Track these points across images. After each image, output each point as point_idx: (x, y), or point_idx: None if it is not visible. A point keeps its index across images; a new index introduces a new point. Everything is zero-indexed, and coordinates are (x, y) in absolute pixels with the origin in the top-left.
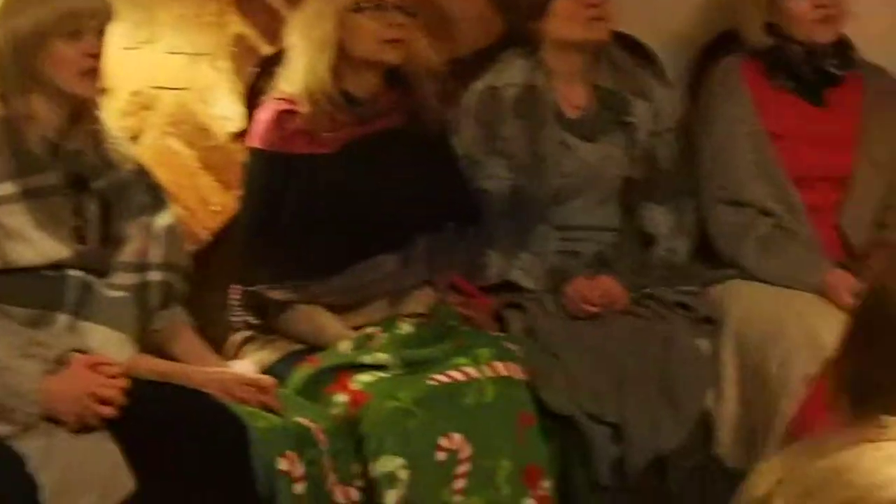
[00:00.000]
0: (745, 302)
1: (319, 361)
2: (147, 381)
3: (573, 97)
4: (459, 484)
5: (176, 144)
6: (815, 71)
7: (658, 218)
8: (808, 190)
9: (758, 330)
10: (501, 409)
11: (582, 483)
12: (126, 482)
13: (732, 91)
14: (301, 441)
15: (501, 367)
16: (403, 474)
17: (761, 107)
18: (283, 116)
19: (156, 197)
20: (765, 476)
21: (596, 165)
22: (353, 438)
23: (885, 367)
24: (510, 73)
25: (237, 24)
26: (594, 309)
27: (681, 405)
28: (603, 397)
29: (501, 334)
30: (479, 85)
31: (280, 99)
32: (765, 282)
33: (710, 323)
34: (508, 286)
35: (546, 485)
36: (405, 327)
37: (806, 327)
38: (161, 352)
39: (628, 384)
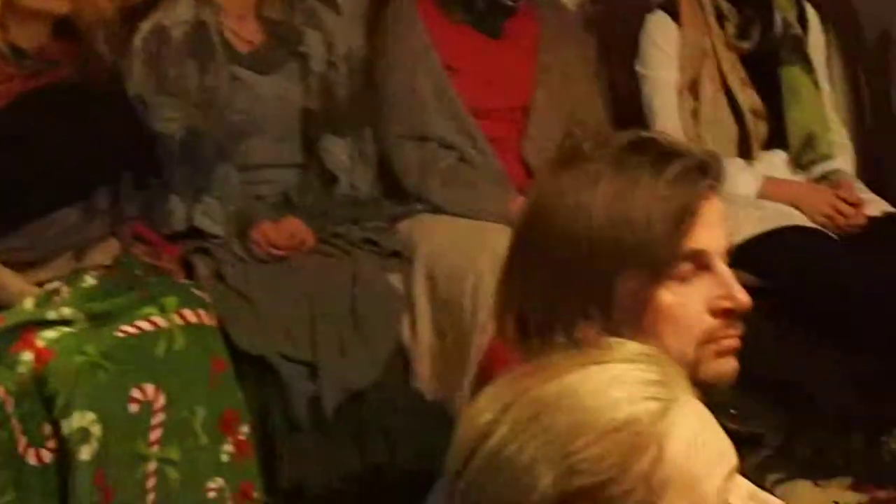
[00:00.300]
0: (433, 235)
1: (2, 320)
2: None
3: (244, 32)
4: (155, 435)
5: None
6: (489, 2)
7: (338, 152)
8: (490, 122)
9: (447, 262)
10: (193, 357)
11: (280, 424)
12: None
13: (410, 26)
14: None
15: (190, 314)
16: (96, 429)
17: (439, 41)
18: None
19: None
20: (491, 401)
21: (272, 100)
22: (42, 398)
23: (545, 286)
24: (178, 11)
25: None
26: (281, 252)
27: (373, 341)
28: (295, 337)
29: (188, 281)
30: (146, 25)
31: None
32: (452, 214)
33: (400, 258)
34: (195, 232)
35: (244, 429)
36: (89, 280)
37: (495, 258)
38: None
39: (320, 322)
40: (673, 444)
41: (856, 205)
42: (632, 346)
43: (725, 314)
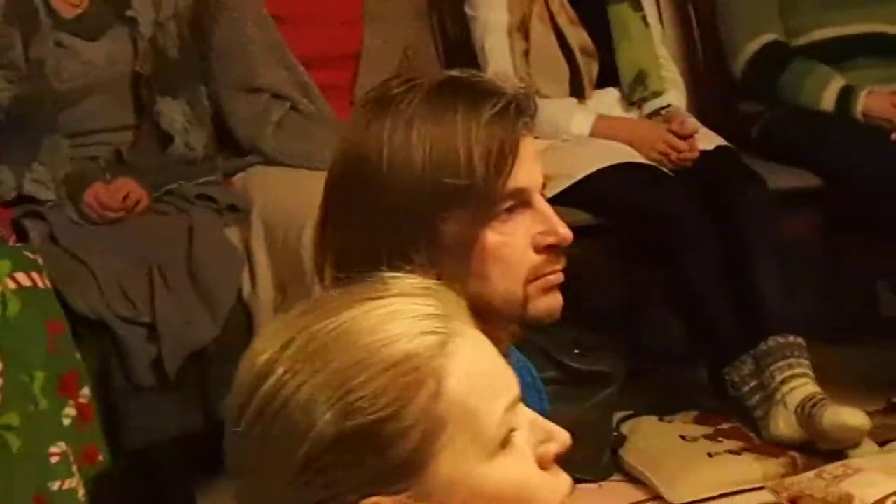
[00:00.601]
0: (269, 188)
1: None
2: None
3: None
4: None
5: None
6: None
7: (172, 113)
8: (322, 70)
9: (284, 214)
10: (28, 321)
11: (122, 386)
12: None
13: None
14: None
15: (23, 278)
16: None
17: None
18: None
19: None
20: (269, 341)
21: (101, 65)
22: None
23: (365, 232)
24: None
25: None
26: (115, 215)
27: (213, 297)
28: (133, 298)
29: (20, 244)
30: None
31: None
32: (287, 165)
33: (236, 212)
34: (27, 199)
35: (85, 392)
36: None
37: None
38: None
39: (158, 282)
40: (451, 379)
41: (688, 139)
42: (410, 281)
43: (548, 249)
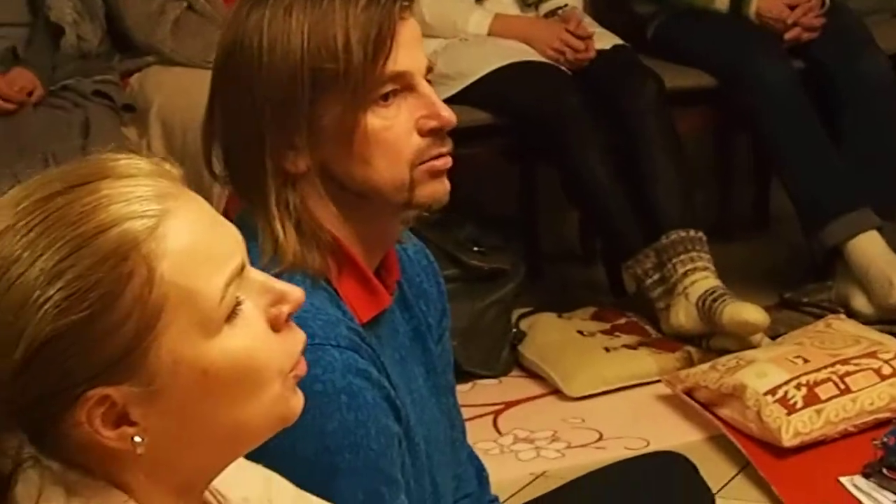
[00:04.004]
0: (166, 87)
1: None
2: None
3: None
4: None
5: None
6: None
7: (61, 5)
8: None
9: (182, 114)
10: None
11: None
12: None
13: None
14: None
15: None
16: None
17: None
18: None
19: None
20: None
21: None
22: None
23: (249, 120)
24: None
25: None
26: (10, 106)
27: None
28: None
29: None
30: None
31: None
32: (183, 65)
33: (134, 111)
34: None
35: None
36: None
37: None
38: None
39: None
40: (164, 262)
41: (585, 38)
42: (124, 161)
43: (433, 133)
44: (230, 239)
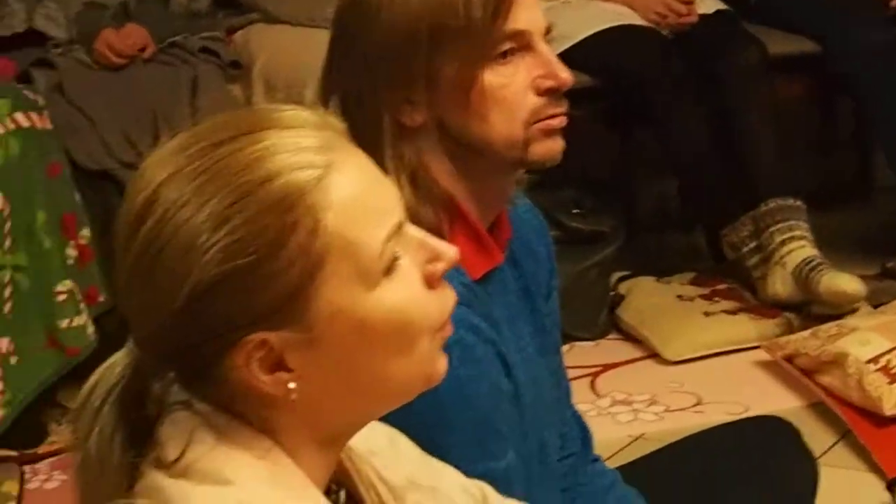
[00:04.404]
0: (270, 45)
1: None
2: None
3: None
4: (7, 243)
5: None
6: None
7: None
8: None
9: (286, 71)
10: (29, 161)
11: None
12: None
13: None
14: None
15: (22, 118)
16: None
17: None
18: None
19: None
20: (148, 178)
21: None
22: None
23: (367, 74)
24: None
25: None
26: (123, 60)
27: None
28: (137, 144)
29: (20, 84)
30: None
31: None
32: (287, 23)
33: (239, 68)
34: (35, 40)
35: (85, 233)
36: None
37: None
38: None
39: (163, 130)
40: (328, 213)
41: (688, 2)
42: (289, 112)
43: (549, 92)
44: (390, 195)
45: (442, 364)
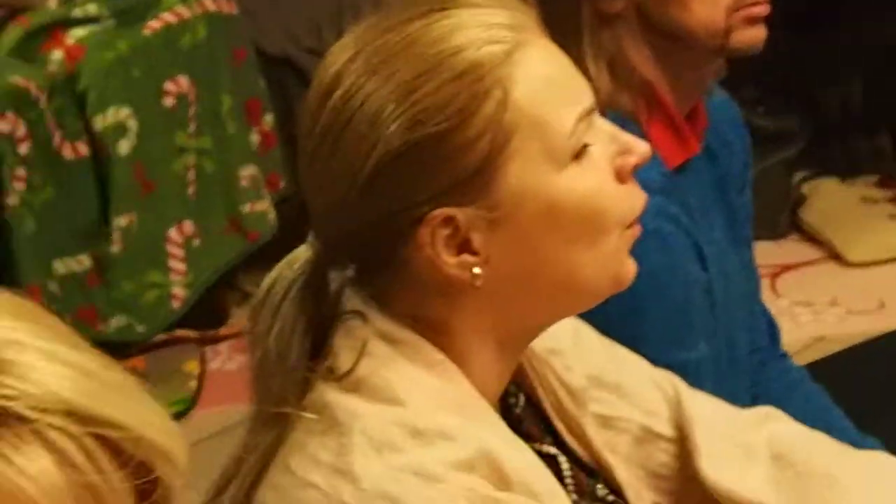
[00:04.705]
0: None
1: (28, 21)
2: None
3: None
4: (192, 126)
5: None
6: None
7: None
8: None
9: None
10: (215, 46)
11: None
12: None
13: None
14: (18, 101)
15: (210, 3)
16: (132, 124)
17: None
18: None
19: None
20: (338, 54)
21: None
22: (75, 94)
23: None
24: None
25: None
26: None
27: None
28: (322, 29)
29: None
30: None
31: None
32: None
33: None
34: None
35: (268, 119)
36: None
37: None
38: None
39: (348, 15)
40: (518, 87)
41: None
42: None
43: None
44: (581, 81)
45: (631, 266)
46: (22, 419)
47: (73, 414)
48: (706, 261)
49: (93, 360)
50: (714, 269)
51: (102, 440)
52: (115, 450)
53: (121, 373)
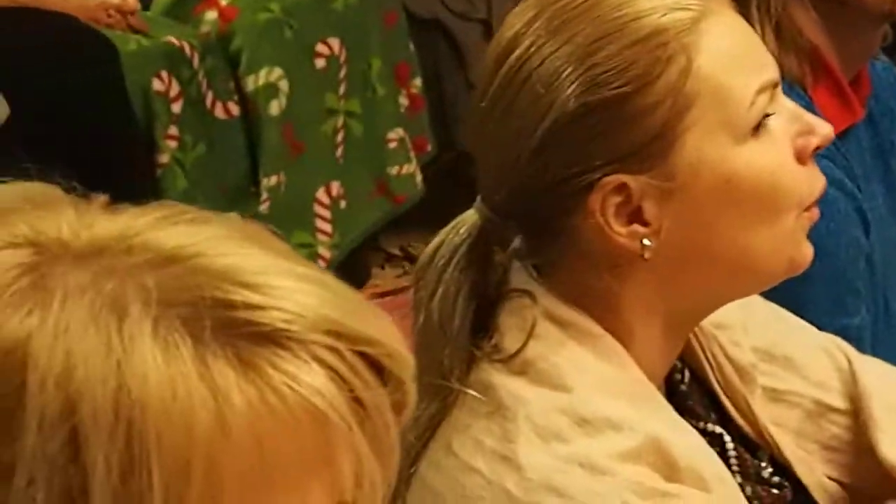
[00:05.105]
0: None
1: None
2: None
3: None
4: (342, 89)
5: None
6: None
7: None
8: None
9: None
10: (367, 9)
11: (457, 81)
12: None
13: None
14: (173, 60)
15: None
16: (283, 85)
17: None
18: None
19: None
20: (518, 16)
21: None
22: (227, 54)
23: None
24: None
25: None
26: None
27: None
28: None
29: None
30: None
31: None
32: None
33: None
34: None
35: (416, 82)
36: None
37: None
38: None
39: None
40: (702, 55)
41: None
42: None
43: None
44: (765, 53)
45: (808, 250)
46: (298, 341)
47: (338, 333)
48: (869, 227)
49: (333, 280)
50: (875, 236)
51: (363, 356)
52: (376, 366)
53: (353, 290)
